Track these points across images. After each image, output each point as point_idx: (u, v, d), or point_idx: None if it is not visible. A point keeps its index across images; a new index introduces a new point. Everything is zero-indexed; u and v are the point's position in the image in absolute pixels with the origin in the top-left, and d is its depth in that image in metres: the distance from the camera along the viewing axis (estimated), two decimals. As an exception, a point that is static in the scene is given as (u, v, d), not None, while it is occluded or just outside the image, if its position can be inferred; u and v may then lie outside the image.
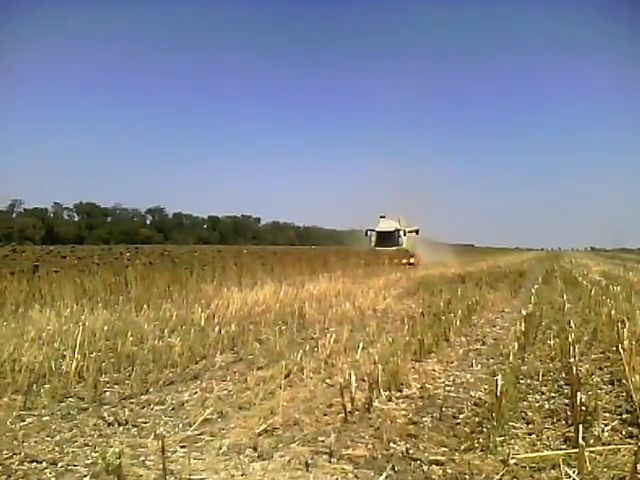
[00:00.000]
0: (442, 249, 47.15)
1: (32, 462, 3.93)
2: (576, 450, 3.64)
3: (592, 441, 4.24)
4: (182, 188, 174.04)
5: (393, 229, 40.17)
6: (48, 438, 4.45)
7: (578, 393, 4.57)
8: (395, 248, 37.42)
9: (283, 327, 9.35)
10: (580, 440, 3.58)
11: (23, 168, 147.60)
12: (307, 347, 7.74)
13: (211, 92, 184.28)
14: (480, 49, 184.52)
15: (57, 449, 4.20)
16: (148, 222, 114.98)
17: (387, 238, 39.35)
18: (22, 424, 4.76)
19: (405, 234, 40.24)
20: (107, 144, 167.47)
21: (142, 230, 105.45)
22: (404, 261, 33.31)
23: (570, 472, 3.55)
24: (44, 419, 4.93)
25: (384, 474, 3.72)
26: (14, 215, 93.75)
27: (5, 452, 4.11)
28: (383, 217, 41.29)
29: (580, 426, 3.83)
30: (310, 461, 3.92)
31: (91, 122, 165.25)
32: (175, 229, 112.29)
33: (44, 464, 3.91)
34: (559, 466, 3.68)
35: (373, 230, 41.08)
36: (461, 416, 5.00)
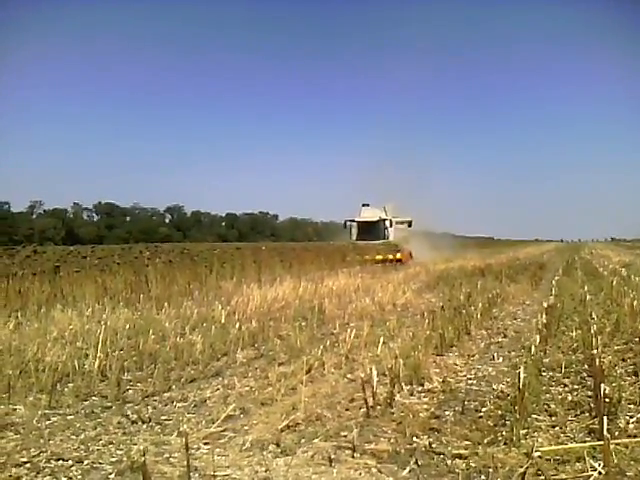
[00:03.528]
0: (443, 243, 41.78)
1: (58, 460, 3.98)
2: (601, 442, 3.60)
3: (617, 433, 4.20)
4: (200, 186, 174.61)
5: (377, 219, 33.81)
6: (73, 436, 4.50)
7: (602, 385, 4.53)
8: (380, 242, 31.67)
9: (303, 323, 9.36)
10: (605, 432, 3.55)
11: (42, 170, 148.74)
12: (327, 342, 7.76)
13: (228, 90, 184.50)
14: (486, 39, 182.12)
15: (82, 447, 4.24)
16: (167, 221, 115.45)
17: (370, 230, 33.20)
18: (47, 423, 4.82)
19: (392, 225, 33.97)
20: (125, 144, 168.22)
21: (161, 229, 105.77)
22: (389, 257, 27.80)
23: (595, 465, 3.52)
24: (69, 418, 4.98)
25: (407, 468, 3.72)
26: (34, 216, 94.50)
27: (32, 450, 4.16)
28: (366, 205, 34.87)
29: (604, 418, 3.80)
30: (333, 456, 3.93)
31: (108, 122, 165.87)
32: (194, 227, 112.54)
33: (70, 462, 3.95)
34: (584, 459, 3.65)
35: (353, 221, 34.51)
36: (484, 409, 4.98)
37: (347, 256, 26.56)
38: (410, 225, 36.39)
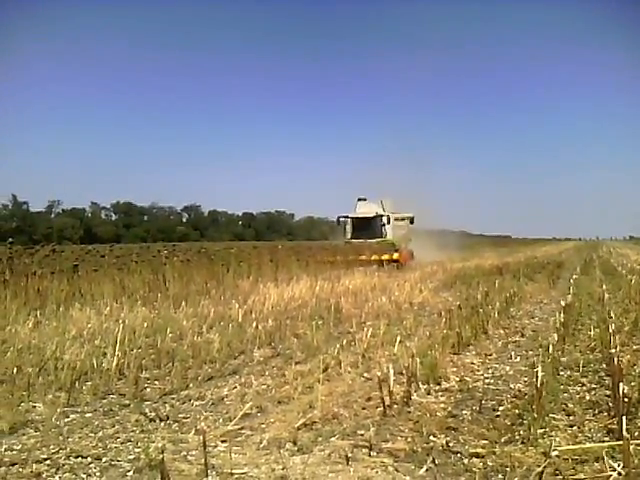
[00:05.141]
0: (452, 242, 39.41)
1: (77, 457, 4.02)
2: (620, 442, 3.58)
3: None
4: (217, 185, 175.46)
5: (373, 215, 29.85)
6: (92, 434, 4.54)
7: (620, 384, 4.49)
8: (377, 240, 28.05)
9: (320, 322, 9.35)
10: (624, 432, 3.52)
11: (60, 170, 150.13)
12: (344, 341, 7.75)
13: (245, 90, 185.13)
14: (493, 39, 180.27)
15: (100, 445, 4.28)
16: (184, 220, 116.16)
17: (365, 227, 29.48)
18: (66, 420, 4.87)
19: (389, 221, 29.73)
20: (143, 145, 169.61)
21: (178, 228, 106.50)
22: (385, 257, 24.59)
23: (615, 465, 3.49)
24: (87, 415, 5.02)
25: (424, 467, 3.72)
26: (53, 216, 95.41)
27: (52, 447, 4.21)
28: (363, 200, 31.02)
29: (624, 418, 3.77)
30: (350, 455, 3.93)
31: (127, 123, 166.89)
32: (211, 226, 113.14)
33: (89, 459, 3.99)
34: (602, 459, 3.62)
35: (347, 217, 30.63)
36: (501, 408, 4.96)
37: (336, 257, 23.49)
38: (412, 222, 32.54)
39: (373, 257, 24.24)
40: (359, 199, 30.95)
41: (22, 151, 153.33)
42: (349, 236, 29.78)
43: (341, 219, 30.70)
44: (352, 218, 30.30)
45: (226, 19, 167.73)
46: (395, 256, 24.92)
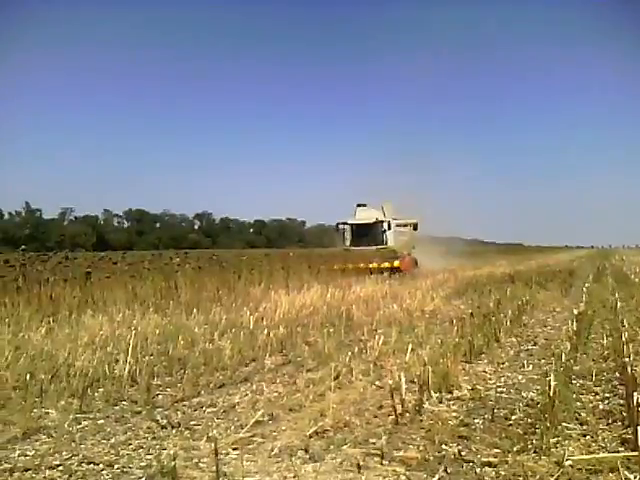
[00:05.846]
0: (459, 249, 37.89)
1: (90, 464, 4.03)
2: (635, 453, 3.55)
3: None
4: (229, 193, 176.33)
5: (373, 220, 28.63)
6: (104, 441, 4.55)
7: (634, 393, 4.46)
8: (377, 247, 26.87)
9: (331, 329, 9.33)
10: (639, 442, 3.49)
11: (72, 177, 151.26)
12: (355, 349, 7.73)
13: (253, 96, 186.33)
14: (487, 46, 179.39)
15: (112, 451, 4.29)
16: (196, 227, 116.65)
17: (365, 233, 28.40)
18: (79, 427, 4.88)
19: (390, 227, 28.61)
20: (154, 152, 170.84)
21: (190, 235, 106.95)
22: (384, 265, 23.48)
23: (631, 476, 3.46)
24: (99, 422, 5.03)
25: (436, 476, 3.70)
26: (65, 223, 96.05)
27: (64, 453, 4.23)
28: (362, 206, 29.77)
29: (638, 428, 3.74)
30: (362, 463, 3.91)
31: (137, 130, 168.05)
32: (222, 233, 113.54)
33: (101, 466, 3.99)
34: (617, 469, 3.58)
35: (346, 223, 29.47)
36: (513, 417, 4.93)
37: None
38: (415, 228, 31.84)
39: (372, 265, 23.31)
40: (358, 205, 30.02)
41: (35, 159, 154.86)
42: (348, 243, 28.90)
43: (340, 226, 29.76)
44: (351, 224, 29.39)
45: (233, 23, 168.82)
46: (396, 264, 24.09)
